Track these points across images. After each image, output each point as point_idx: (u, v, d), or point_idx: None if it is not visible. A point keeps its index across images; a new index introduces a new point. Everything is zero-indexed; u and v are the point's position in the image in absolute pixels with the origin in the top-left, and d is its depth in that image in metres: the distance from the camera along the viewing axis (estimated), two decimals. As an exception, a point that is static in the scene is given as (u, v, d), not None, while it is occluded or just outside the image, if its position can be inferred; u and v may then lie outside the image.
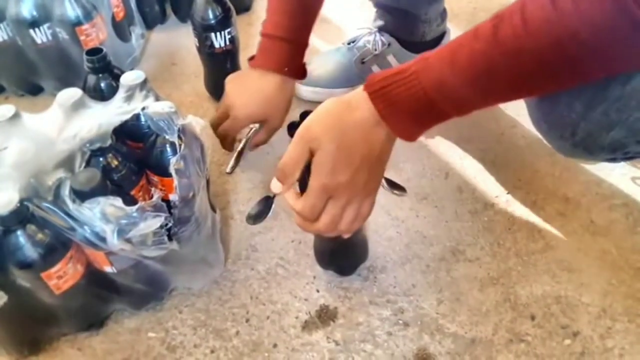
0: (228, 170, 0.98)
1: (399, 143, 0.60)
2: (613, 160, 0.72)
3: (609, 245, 0.85)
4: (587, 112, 0.64)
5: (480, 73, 0.51)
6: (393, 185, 0.69)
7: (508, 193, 0.93)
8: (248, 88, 0.88)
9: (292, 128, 1.06)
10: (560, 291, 0.79)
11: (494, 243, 0.86)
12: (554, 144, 0.73)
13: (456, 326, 0.76)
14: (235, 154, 1.00)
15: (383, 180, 0.66)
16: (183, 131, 0.66)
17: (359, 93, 0.57)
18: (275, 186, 0.60)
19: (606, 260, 0.83)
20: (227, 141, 0.94)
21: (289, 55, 0.87)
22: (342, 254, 0.80)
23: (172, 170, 0.63)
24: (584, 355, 0.72)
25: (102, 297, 0.73)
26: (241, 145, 1.00)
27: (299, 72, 0.90)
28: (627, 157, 0.70)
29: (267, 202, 0.65)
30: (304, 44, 0.88)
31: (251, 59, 0.89)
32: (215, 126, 0.92)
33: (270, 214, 0.66)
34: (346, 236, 0.64)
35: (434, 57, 0.54)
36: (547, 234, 0.87)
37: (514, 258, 0.84)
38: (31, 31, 1.00)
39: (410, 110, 0.55)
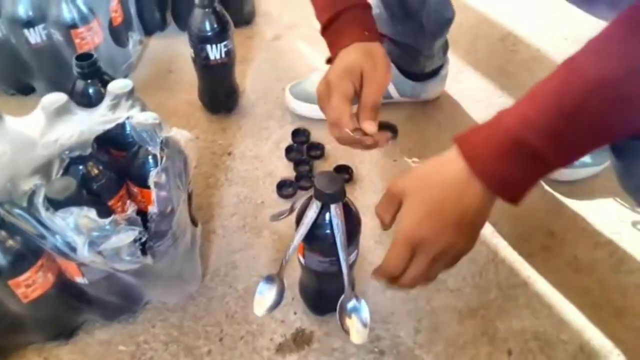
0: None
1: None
2: None
3: (592, 283, 0.84)
4: None
5: (563, 100, 0.47)
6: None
7: (494, 224, 0.92)
8: (369, 56, 0.72)
9: (290, 151, 1.06)
10: (539, 327, 0.78)
11: (476, 274, 0.85)
12: None
13: (432, 357, 0.74)
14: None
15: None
16: (166, 143, 0.65)
17: (452, 150, 0.55)
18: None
19: (587, 298, 0.82)
20: (376, 112, 0.71)
21: (359, 21, 0.74)
22: (326, 298, 0.75)
23: (151, 183, 0.62)
24: (559, 396, 0.71)
25: (72, 307, 0.72)
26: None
27: (376, 33, 0.76)
28: None
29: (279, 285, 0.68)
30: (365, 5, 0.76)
31: (329, 60, 0.78)
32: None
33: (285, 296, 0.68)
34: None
35: (538, 112, 0.49)
36: (530, 267, 0.86)
37: (495, 290, 0.82)
38: (25, 31, 0.99)
39: (497, 155, 0.50)
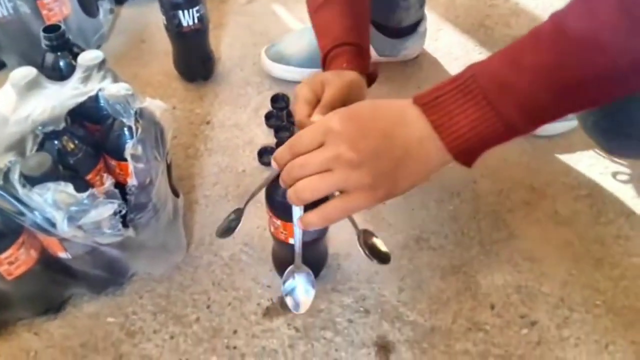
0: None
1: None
2: None
3: (572, 236, 0.85)
4: None
5: (550, 71, 0.46)
6: (374, 253, 0.63)
7: (475, 182, 0.93)
8: (337, 74, 0.73)
9: (276, 100, 1.05)
10: (521, 281, 0.80)
11: (458, 232, 0.86)
12: (611, 144, 0.69)
13: (416, 314, 0.76)
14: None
15: (363, 245, 0.62)
16: (140, 114, 0.64)
17: (408, 107, 0.51)
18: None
19: (568, 250, 0.84)
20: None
21: (357, 54, 0.76)
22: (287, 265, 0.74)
23: (127, 155, 0.61)
24: (540, 345, 0.73)
25: (58, 282, 0.72)
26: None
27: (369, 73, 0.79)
28: None
29: (238, 215, 0.64)
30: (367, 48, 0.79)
31: None
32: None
33: (240, 225, 0.65)
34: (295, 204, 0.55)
35: (492, 61, 0.49)
36: (512, 223, 0.87)
37: (477, 247, 0.84)
38: (-9, 4, 0.96)
39: (470, 119, 0.48)
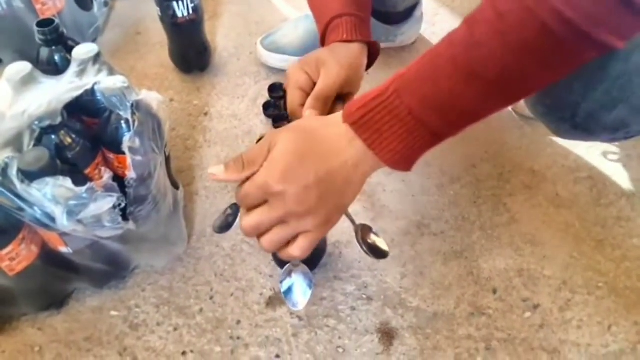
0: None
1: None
2: (614, 140, 0.70)
3: (573, 218, 0.85)
4: (588, 92, 0.62)
5: (464, 78, 0.48)
6: (371, 250, 0.62)
7: (475, 166, 0.93)
8: (334, 52, 0.71)
9: (273, 90, 1.04)
10: (522, 264, 0.80)
11: (459, 217, 0.86)
12: (551, 126, 0.71)
13: (419, 300, 0.76)
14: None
15: (361, 241, 0.62)
16: (137, 107, 0.64)
17: (339, 131, 0.53)
18: (215, 169, 0.55)
19: (569, 232, 0.84)
20: (324, 103, 0.68)
21: (357, 24, 0.73)
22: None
23: (125, 148, 0.61)
24: (543, 327, 0.73)
25: (60, 277, 0.72)
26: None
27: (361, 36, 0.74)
28: (628, 137, 0.68)
29: (235, 210, 0.63)
30: (367, 18, 0.76)
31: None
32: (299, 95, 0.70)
33: (238, 220, 0.64)
34: (271, 250, 0.56)
35: (411, 71, 0.51)
36: (512, 207, 0.87)
37: (478, 232, 0.84)
38: (-16, -1, 0.95)
39: (398, 134, 0.50)
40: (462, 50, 0.48)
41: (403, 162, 0.53)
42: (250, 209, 0.54)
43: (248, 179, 0.53)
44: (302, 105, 0.67)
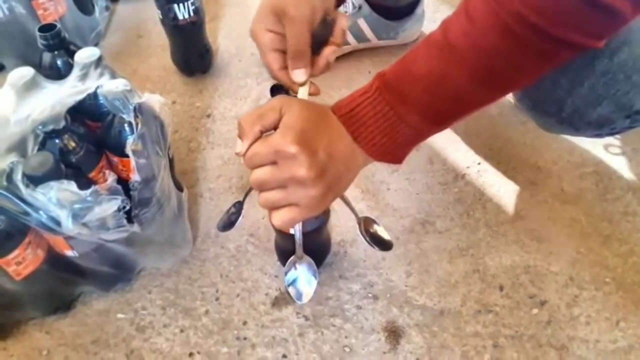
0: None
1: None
2: (599, 135, 0.71)
3: (579, 214, 0.85)
4: (574, 88, 0.63)
5: (439, 78, 0.50)
6: (375, 240, 0.63)
7: (479, 163, 0.92)
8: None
9: (275, 91, 1.05)
10: (529, 261, 0.79)
11: (464, 214, 0.85)
12: (538, 120, 0.72)
13: (425, 298, 0.76)
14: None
15: (364, 233, 0.62)
16: (139, 110, 0.64)
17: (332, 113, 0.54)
18: (238, 146, 0.54)
19: (575, 228, 0.83)
20: (304, 57, 0.60)
21: None
22: (287, 253, 0.73)
23: (128, 151, 0.61)
24: (551, 324, 0.73)
25: (66, 280, 0.72)
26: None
27: None
28: (613, 133, 0.69)
29: (238, 208, 0.63)
30: None
31: None
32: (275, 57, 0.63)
33: (241, 219, 0.64)
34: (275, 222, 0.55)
35: (391, 71, 0.53)
36: (518, 203, 0.87)
37: (483, 228, 0.84)
38: (-14, 6, 0.96)
39: (382, 129, 0.53)
40: (436, 52, 0.50)
41: (388, 155, 0.54)
42: (256, 169, 0.53)
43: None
44: (283, 67, 0.62)
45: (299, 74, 0.60)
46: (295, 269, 0.68)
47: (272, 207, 0.53)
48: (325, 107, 0.55)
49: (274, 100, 0.52)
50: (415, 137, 0.54)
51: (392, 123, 0.52)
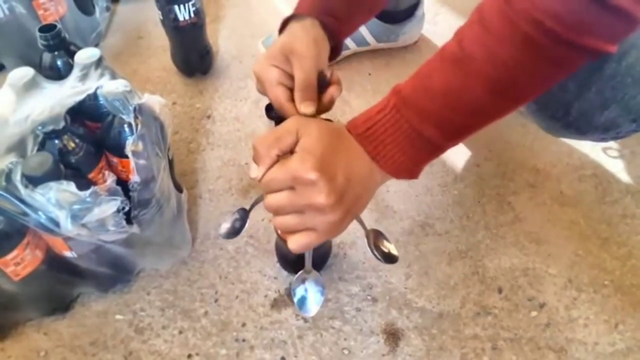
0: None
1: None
2: (604, 139, 0.71)
3: (577, 216, 0.85)
4: (582, 92, 0.63)
5: (457, 92, 0.49)
6: (382, 254, 0.62)
7: (478, 165, 0.93)
8: (293, 35, 0.65)
9: (270, 109, 1.04)
10: (527, 263, 0.80)
11: (464, 216, 0.86)
12: (543, 124, 0.72)
13: (424, 300, 0.76)
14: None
15: (372, 246, 0.62)
16: (139, 111, 0.64)
17: (352, 138, 0.53)
18: (253, 170, 0.53)
19: (574, 230, 0.83)
20: (312, 91, 0.62)
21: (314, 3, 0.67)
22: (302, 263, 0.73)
23: (128, 152, 0.61)
24: (549, 326, 0.73)
25: (65, 281, 0.72)
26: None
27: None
28: (619, 137, 0.69)
29: (242, 215, 0.62)
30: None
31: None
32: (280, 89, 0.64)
33: (246, 227, 0.63)
34: (292, 247, 0.54)
35: (408, 87, 0.52)
36: (517, 205, 0.87)
37: (482, 231, 0.84)
38: (-14, 6, 0.96)
39: (402, 147, 0.52)
40: (453, 65, 0.49)
41: (406, 172, 0.54)
42: (272, 193, 0.52)
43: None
44: (289, 100, 0.63)
45: (307, 106, 0.60)
46: (304, 283, 0.68)
47: (289, 232, 0.53)
48: (340, 126, 0.54)
49: (290, 122, 0.52)
50: (435, 152, 0.53)
51: (412, 140, 0.52)
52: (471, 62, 0.48)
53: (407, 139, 0.52)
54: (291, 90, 0.62)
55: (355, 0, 0.71)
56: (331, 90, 0.62)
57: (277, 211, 0.52)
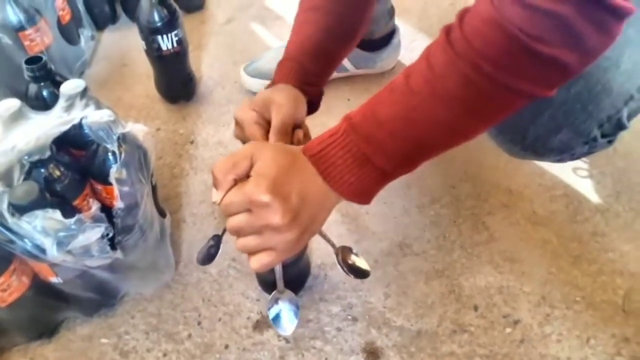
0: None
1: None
2: (560, 160, 0.75)
3: (550, 235, 0.88)
4: (535, 118, 0.67)
5: (401, 122, 0.52)
6: (352, 270, 0.64)
7: (454, 187, 0.96)
8: (278, 90, 0.72)
9: None
10: (502, 281, 0.82)
11: (440, 236, 0.88)
12: (504, 147, 0.76)
13: (402, 319, 0.78)
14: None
15: (342, 263, 0.64)
16: (123, 139, 0.66)
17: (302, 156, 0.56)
18: (214, 195, 0.58)
19: (547, 249, 0.86)
20: (287, 134, 0.69)
21: (297, 70, 0.75)
22: (271, 284, 0.74)
23: (112, 179, 0.63)
24: (524, 342, 0.75)
25: (51, 306, 0.73)
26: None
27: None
28: (574, 157, 0.73)
29: (216, 241, 0.64)
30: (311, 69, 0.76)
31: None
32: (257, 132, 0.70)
33: (219, 252, 0.65)
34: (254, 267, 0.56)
35: (358, 113, 0.55)
36: (491, 225, 0.90)
37: (458, 250, 0.86)
38: (-27, 37, 0.98)
39: (351, 169, 0.54)
40: (399, 97, 0.52)
41: (357, 195, 0.55)
42: (232, 216, 0.55)
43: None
44: (264, 138, 0.68)
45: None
46: (277, 304, 0.70)
47: (250, 252, 0.55)
48: (295, 149, 0.57)
49: (246, 148, 0.55)
50: (383, 178, 0.55)
51: (360, 163, 0.53)
52: (415, 96, 0.51)
53: (355, 161, 0.54)
54: (267, 132, 0.67)
55: (327, 62, 0.78)
56: (299, 134, 0.68)
57: (237, 233, 0.55)
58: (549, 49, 0.45)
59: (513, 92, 0.49)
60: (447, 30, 0.50)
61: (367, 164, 0.53)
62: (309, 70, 0.75)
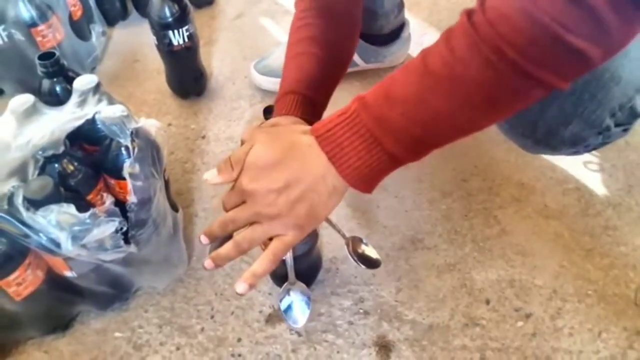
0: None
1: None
2: (576, 153, 0.74)
3: (562, 228, 0.88)
4: (544, 109, 0.66)
5: (416, 103, 0.51)
6: (363, 260, 0.65)
7: (465, 181, 0.95)
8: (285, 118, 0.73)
9: (268, 112, 1.08)
10: (514, 275, 0.82)
11: (451, 230, 0.88)
12: (517, 142, 0.76)
13: (414, 313, 0.78)
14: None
15: (352, 253, 0.64)
16: (136, 134, 0.67)
17: (308, 141, 0.55)
18: (210, 175, 0.59)
19: (558, 242, 0.86)
20: None
21: (300, 102, 0.76)
22: (281, 277, 0.76)
23: (125, 174, 0.64)
24: (536, 336, 0.75)
25: (65, 300, 0.74)
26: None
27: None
28: (590, 149, 0.72)
29: (228, 237, 0.65)
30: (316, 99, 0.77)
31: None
32: None
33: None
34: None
35: (370, 94, 0.54)
36: (503, 219, 0.90)
37: (470, 244, 0.86)
38: (-14, 34, 0.99)
39: (358, 151, 0.53)
40: (415, 77, 0.51)
41: (361, 180, 0.54)
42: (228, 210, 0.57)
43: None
44: None
45: None
46: (289, 295, 0.70)
47: (257, 243, 0.57)
48: (296, 132, 0.57)
49: (245, 144, 0.57)
50: (390, 163, 0.54)
51: (368, 145, 0.52)
52: (432, 77, 0.50)
53: (364, 143, 0.52)
54: None
55: (326, 90, 0.79)
56: None
57: (231, 222, 0.56)
58: (578, 41, 0.45)
59: (532, 80, 0.48)
60: (469, 14, 0.49)
61: (375, 146, 0.52)
62: (311, 101, 0.75)
